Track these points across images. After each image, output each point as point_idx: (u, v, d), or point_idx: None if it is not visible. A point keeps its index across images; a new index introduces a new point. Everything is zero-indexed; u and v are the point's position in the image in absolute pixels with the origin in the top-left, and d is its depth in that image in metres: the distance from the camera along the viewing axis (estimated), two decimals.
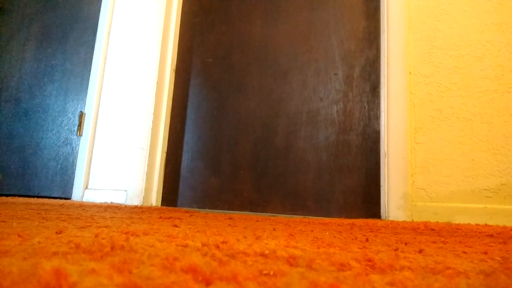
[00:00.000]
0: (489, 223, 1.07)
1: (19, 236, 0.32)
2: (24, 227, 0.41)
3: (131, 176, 1.44)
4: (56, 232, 0.36)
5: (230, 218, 0.89)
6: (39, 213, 0.64)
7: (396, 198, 1.20)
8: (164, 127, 1.48)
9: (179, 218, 0.78)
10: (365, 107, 1.32)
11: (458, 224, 1.01)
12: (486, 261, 0.33)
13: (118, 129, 1.54)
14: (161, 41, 1.51)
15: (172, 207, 1.38)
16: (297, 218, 1.07)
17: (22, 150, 1.69)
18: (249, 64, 1.46)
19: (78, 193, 1.54)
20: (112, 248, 0.28)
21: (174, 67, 1.54)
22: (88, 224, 0.49)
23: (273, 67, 1.43)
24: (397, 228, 0.78)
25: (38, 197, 1.57)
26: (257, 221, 0.84)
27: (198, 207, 1.38)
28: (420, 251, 0.38)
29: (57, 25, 1.78)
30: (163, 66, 1.51)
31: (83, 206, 0.99)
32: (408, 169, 1.21)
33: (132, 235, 0.38)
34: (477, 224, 1.02)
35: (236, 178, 1.37)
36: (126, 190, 1.44)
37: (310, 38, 1.41)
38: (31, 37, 1.82)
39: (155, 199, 1.43)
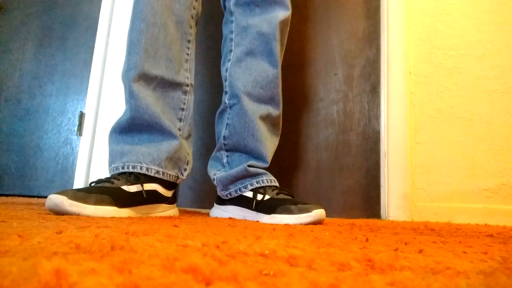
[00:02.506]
0: (489, 223, 1.07)
1: (19, 236, 0.32)
2: (24, 227, 0.41)
3: None
4: (56, 232, 0.36)
5: (230, 218, 0.89)
6: (39, 213, 0.64)
7: (396, 198, 1.20)
8: None
9: (179, 218, 0.78)
10: (365, 107, 1.32)
11: (458, 224, 1.01)
12: (486, 261, 0.33)
13: None
14: None
15: None
16: None
17: (22, 150, 1.70)
18: None
19: None
20: (112, 248, 0.28)
21: None
22: (88, 224, 0.49)
23: None
24: (397, 228, 0.78)
25: (38, 197, 1.57)
26: (257, 221, 0.84)
27: (198, 207, 1.38)
28: (420, 251, 0.38)
29: (57, 25, 1.79)
30: None
31: None
32: (408, 169, 1.22)
33: (132, 235, 0.38)
34: (477, 224, 1.02)
35: None
36: None
37: (310, 38, 1.41)
38: (31, 37, 1.82)
39: None
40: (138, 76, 0.82)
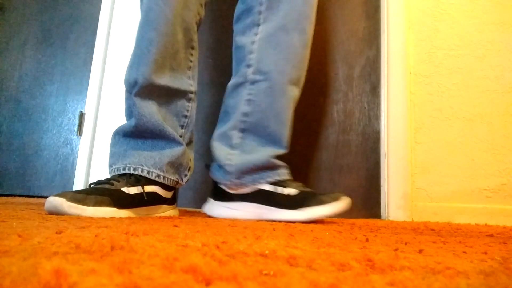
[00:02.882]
0: (489, 223, 1.07)
1: (19, 236, 0.32)
2: (24, 227, 0.41)
3: None
4: (56, 232, 0.36)
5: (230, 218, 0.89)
6: (39, 213, 0.64)
7: (396, 198, 1.20)
8: None
9: (179, 218, 0.78)
10: (365, 107, 1.32)
11: (458, 224, 1.01)
12: (486, 261, 0.33)
13: None
14: None
15: None
16: None
17: (22, 150, 1.70)
18: None
19: None
20: (112, 248, 0.28)
21: None
22: (88, 224, 0.49)
23: None
24: (397, 228, 0.78)
25: (38, 197, 1.57)
26: (257, 220, 0.84)
27: (198, 207, 1.38)
28: (420, 251, 0.38)
29: (57, 25, 1.79)
30: None
31: None
32: (408, 169, 1.21)
33: (132, 235, 0.38)
34: (477, 224, 1.02)
35: None
36: None
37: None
38: (31, 37, 1.82)
39: None
40: (145, 87, 0.80)
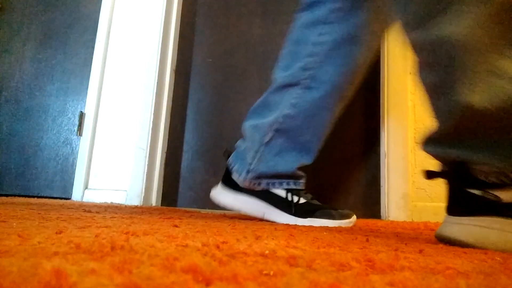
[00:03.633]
0: None
1: (19, 236, 0.32)
2: (24, 227, 0.41)
3: (131, 176, 1.44)
4: (56, 232, 0.36)
5: (230, 218, 0.89)
6: (39, 213, 0.64)
7: (396, 198, 1.20)
8: (164, 127, 1.48)
9: (179, 218, 0.78)
10: (365, 107, 1.32)
11: None
12: (486, 261, 0.33)
13: (118, 129, 1.54)
14: (161, 41, 1.51)
15: (172, 207, 1.38)
16: None
17: (22, 150, 1.70)
18: (249, 64, 1.46)
19: (78, 193, 1.54)
20: (112, 248, 0.28)
21: (174, 67, 1.54)
22: (88, 224, 0.49)
23: (273, 67, 1.42)
24: (397, 228, 0.78)
25: (38, 197, 1.57)
26: (257, 221, 0.84)
27: (198, 207, 1.38)
28: (420, 251, 0.38)
29: (57, 25, 1.79)
30: (163, 66, 1.51)
31: (83, 206, 0.99)
32: (408, 169, 1.22)
33: (132, 235, 0.38)
34: None
35: None
36: (126, 190, 1.44)
37: None
38: (31, 37, 1.82)
39: (155, 199, 1.43)
40: None
